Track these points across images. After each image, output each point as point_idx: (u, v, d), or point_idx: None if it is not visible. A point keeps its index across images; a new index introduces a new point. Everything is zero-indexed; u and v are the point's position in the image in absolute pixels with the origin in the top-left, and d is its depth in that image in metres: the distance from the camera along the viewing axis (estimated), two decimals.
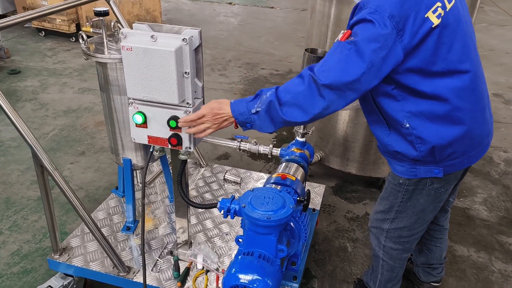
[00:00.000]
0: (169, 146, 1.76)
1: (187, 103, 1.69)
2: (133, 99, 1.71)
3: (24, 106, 4.41)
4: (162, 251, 2.25)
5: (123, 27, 2.23)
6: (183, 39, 1.57)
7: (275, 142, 2.66)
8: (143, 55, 1.57)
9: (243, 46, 6.68)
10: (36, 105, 4.45)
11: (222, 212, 1.89)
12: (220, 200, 1.90)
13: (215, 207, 1.92)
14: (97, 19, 2.10)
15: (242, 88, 5.16)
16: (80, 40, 2.03)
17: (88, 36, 2.08)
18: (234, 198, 1.93)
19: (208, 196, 2.71)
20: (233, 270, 1.77)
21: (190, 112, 1.69)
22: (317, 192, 2.81)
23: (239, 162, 3.67)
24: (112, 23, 2.21)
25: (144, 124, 1.74)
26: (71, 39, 6.39)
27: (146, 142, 1.79)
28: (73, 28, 6.30)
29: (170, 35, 1.59)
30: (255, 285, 1.71)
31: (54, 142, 3.80)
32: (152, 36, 1.59)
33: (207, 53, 6.28)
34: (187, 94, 1.67)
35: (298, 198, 2.04)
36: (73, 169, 3.43)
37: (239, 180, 2.83)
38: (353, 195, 3.31)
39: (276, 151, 2.63)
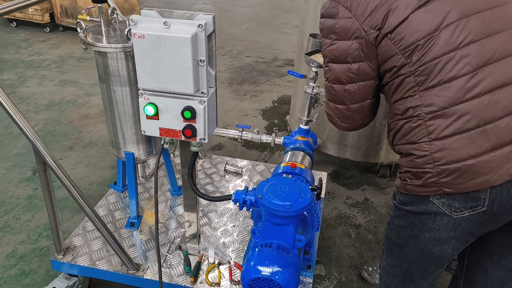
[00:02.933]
0: (183, 137, 1.69)
1: (202, 92, 1.62)
2: (144, 89, 1.63)
3: None
4: (170, 246, 2.19)
5: (120, 15, 2.12)
6: (198, 25, 1.49)
7: (277, 131, 2.61)
8: (156, 43, 1.49)
9: (225, 34, 6.57)
10: (15, 99, 4.25)
11: (237, 204, 1.85)
12: (234, 192, 1.85)
13: (230, 199, 1.87)
14: (94, 6, 1.99)
15: (229, 76, 5.08)
16: (78, 29, 1.91)
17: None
18: (248, 189, 1.88)
19: (210, 188, 2.65)
20: (252, 263, 1.73)
21: (204, 102, 1.62)
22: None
23: (233, 152, 3.62)
24: (109, 10, 2.10)
25: (155, 116, 1.66)
26: (45, 30, 6.12)
27: (157, 135, 1.71)
28: (47, 18, 6.04)
29: (184, 21, 1.51)
30: (277, 276, 1.67)
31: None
32: (165, 23, 1.50)
33: None
34: (202, 83, 1.60)
35: (310, 187, 2.01)
36: (63, 165, 3.27)
37: (240, 170, 2.78)
38: (351, 181, 3.32)
39: (279, 140, 2.60)
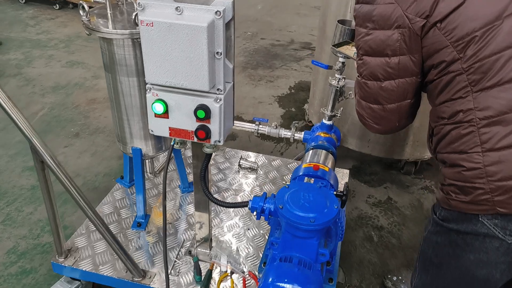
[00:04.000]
0: (195, 139, 1.49)
1: (218, 89, 1.42)
2: (152, 84, 1.43)
3: (8, 82, 4.03)
4: (179, 251, 2.03)
5: None
6: (216, 12, 1.28)
7: (296, 125, 2.40)
8: (167, 31, 1.28)
9: (240, 15, 6.28)
10: (21, 80, 4.08)
11: (254, 213, 1.66)
12: (251, 199, 1.67)
13: (246, 206, 1.69)
14: None
15: (243, 60, 4.84)
16: (81, 12, 1.71)
17: (90, 7, 1.76)
18: (266, 195, 1.70)
19: (223, 185, 2.47)
20: (270, 279, 1.54)
21: (221, 100, 1.42)
22: (340, 177, 2.59)
23: (247, 143, 3.42)
24: None
25: (165, 114, 1.47)
26: (54, 7, 5.91)
27: (167, 135, 1.52)
28: None
29: (199, 7, 1.29)
30: None
31: (44, 123, 3.48)
32: (177, 8, 1.29)
33: None
34: (218, 79, 1.40)
35: (335, 193, 1.81)
36: (68, 154, 3.14)
37: (256, 166, 2.59)
38: (373, 177, 3.11)
39: (299, 135, 2.40)
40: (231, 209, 2.27)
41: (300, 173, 1.93)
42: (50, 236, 2.45)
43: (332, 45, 2.02)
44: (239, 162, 2.60)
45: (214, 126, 1.46)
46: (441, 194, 1.31)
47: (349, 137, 3.04)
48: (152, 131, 1.53)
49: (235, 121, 2.46)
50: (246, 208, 2.28)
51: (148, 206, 2.25)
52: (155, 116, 1.48)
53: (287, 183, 1.89)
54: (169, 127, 1.50)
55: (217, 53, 1.34)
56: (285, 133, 2.39)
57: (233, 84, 1.51)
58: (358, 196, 2.92)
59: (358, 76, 1.44)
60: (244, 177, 2.54)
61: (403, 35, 1.24)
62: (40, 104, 3.70)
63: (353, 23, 2.09)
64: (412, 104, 1.43)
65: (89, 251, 1.99)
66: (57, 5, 5.89)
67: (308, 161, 2.05)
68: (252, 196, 2.31)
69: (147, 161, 2.33)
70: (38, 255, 2.34)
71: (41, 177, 1.72)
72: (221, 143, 1.51)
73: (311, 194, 1.62)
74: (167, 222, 2.16)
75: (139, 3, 1.31)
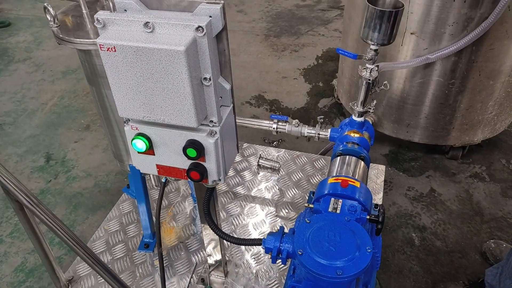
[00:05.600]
0: (189, 179, 1.20)
1: (211, 121, 1.10)
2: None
3: (17, 68, 3.83)
4: (191, 277, 1.80)
5: None
6: (197, 28, 0.94)
7: (321, 120, 2.05)
8: (135, 57, 0.96)
9: None
10: (31, 66, 3.86)
11: (269, 255, 1.38)
12: (265, 236, 1.38)
13: (259, 244, 1.41)
14: None
15: (265, 26, 4.41)
16: (48, 17, 1.40)
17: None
18: (283, 231, 1.41)
19: (241, 190, 2.19)
20: None
21: (216, 133, 1.11)
22: (375, 175, 2.25)
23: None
24: None
25: (149, 151, 1.18)
26: None
27: (155, 173, 1.24)
28: None
29: (174, 21, 0.96)
30: None
31: (55, 114, 3.27)
32: (146, 25, 0.96)
33: None
34: (210, 109, 1.08)
35: (368, 217, 1.50)
36: (78, 150, 2.93)
37: (278, 165, 2.29)
38: (412, 164, 2.74)
39: (325, 134, 2.06)
40: (250, 224, 2.01)
41: (325, 192, 1.61)
42: (59, 249, 2.29)
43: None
44: (258, 161, 2.30)
45: (210, 164, 1.16)
46: None
47: (384, 120, 2.66)
48: (138, 168, 1.25)
49: (250, 119, 2.17)
50: (267, 222, 2.04)
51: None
52: (139, 153, 1.20)
53: (310, 205, 1.59)
54: (157, 165, 1.22)
55: (205, 78, 1.01)
56: (308, 131, 2.06)
57: (233, 106, 1.19)
58: (396, 189, 2.58)
59: None
60: (265, 179, 2.25)
61: None
62: (50, 93, 3.49)
63: (387, 0, 1.68)
64: None
65: (92, 280, 1.80)
66: None
67: (335, 173, 1.73)
68: (274, 205, 2.05)
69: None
70: (47, 273, 2.18)
71: (20, 217, 1.49)
72: (222, 182, 1.22)
73: (338, 232, 1.32)
74: (178, 240, 1.93)
75: (97, 19, 0.99)
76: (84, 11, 1.48)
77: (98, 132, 3.08)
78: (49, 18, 1.40)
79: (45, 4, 1.38)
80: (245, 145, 2.46)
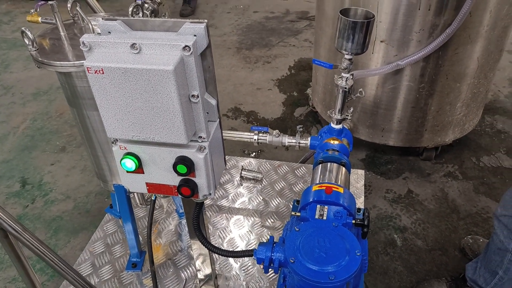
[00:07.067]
0: (179, 196, 1.22)
1: (200, 136, 1.12)
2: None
3: None
4: None
5: (82, 14, 1.57)
6: (184, 47, 0.96)
7: (301, 129, 2.10)
8: (123, 79, 0.97)
9: None
10: None
11: (261, 265, 1.40)
12: (256, 247, 1.40)
13: (250, 255, 1.43)
14: (44, 3, 1.45)
15: (236, 39, 4.46)
16: (26, 41, 1.39)
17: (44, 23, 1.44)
18: (273, 240, 1.43)
19: (225, 203, 2.21)
20: None
21: (205, 148, 1.13)
22: (355, 180, 2.31)
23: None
24: (69, 5, 1.55)
25: (139, 170, 1.18)
26: None
27: (145, 191, 1.24)
28: None
29: (161, 41, 0.98)
30: None
31: (28, 137, 3.20)
32: (133, 46, 0.98)
33: None
34: (198, 125, 1.10)
35: (354, 222, 1.55)
36: (55, 172, 2.88)
37: (260, 176, 2.31)
38: (389, 167, 2.83)
39: (305, 142, 2.10)
40: (237, 235, 2.02)
41: (311, 199, 1.65)
42: (41, 276, 2.23)
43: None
44: (241, 173, 2.32)
45: (201, 179, 1.17)
46: None
47: (359, 126, 2.74)
48: (126, 188, 1.25)
49: (231, 131, 2.20)
50: (254, 233, 2.06)
51: (143, 238, 2.00)
52: (128, 172, 1.20)
53: (297, 213, 1.63)
54: (146, 183, 1.22)
55: (193, 96, 1.04)
56: (289, 140, 2.10)
57: (220, 120, 1.21)
58: (375, 192, 2.65)
59: None
60: (248, 190, 2.27)
61: None
62: (21, 116, 3.41)
63: (359, 11, 1.75)
64: None
65: None
66: None
67: (318, 180, 1.77)
68: (259, 215, 2.07)
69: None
70: None
71: (5, 245, 1.45)
72: (212, 196, 1.24)
73: (327, 238, 1.36)
74: (165, 257, 1.92)
75: (83, 42, 1.00)
76: (62, 33, 1.49)
77: (74, 153, 3.03)
78: (27, 42, 1.39)
79: (23, 28, 1.38)
80: (226, 157, 2.48)
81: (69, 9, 1.54)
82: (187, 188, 1.17)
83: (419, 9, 2.13)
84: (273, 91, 3.64)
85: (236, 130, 3.13)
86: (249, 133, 2.14)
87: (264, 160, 2.46)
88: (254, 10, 5.09)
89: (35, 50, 1.39)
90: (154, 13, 1.62)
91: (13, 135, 3.22)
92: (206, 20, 1.03)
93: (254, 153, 2.96)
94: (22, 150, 3.06)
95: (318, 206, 1.60)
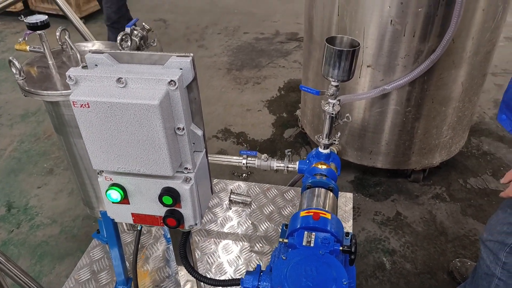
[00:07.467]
0: (165, 226, 1.21)
1: (186, 168, 1.13)
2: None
3: None
4: None
5: (71, 44, 1.58)
6: (169, 82, 0.97)
7: (289, 153, 2.10)
8: (109, 113, 0.98)
9: (219, 6, 5.90)
10: None
11: None
12: (243, 276, 1.39)
13: (237, 285, 1.42)
14: (32, 32, 1.46)
15: (227, 60, 4.50)
16: (13, 70, 1.39)
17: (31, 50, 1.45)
18: (261, 268, 1.43)
19: (214, 227, 2.19)
20: None
21: (191, 179, 1.13)
22: (344, 203, 2.32)
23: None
24: (58, 33, 1.56)
25: (124, 200, 1.18)
26: (19, 18, 5.47)
27: (130, 221, 1.24)
28: (20, 5, 5.41)
29: (147, 75, 0.99)
30: None
31: (14, 160, 3.17)
32: (119, 80, 0.99)
33: (179, 20, 5.51)
34: (184, 157, 1.10)
35: (341, 249, 1.55)
36: (42, 195, 2.85)
37: (249, 199, 2.31)
38: (378, 189, 2.84)
39: (293, 166, 2.11)
40: (225, 261, 2.01)
41: (298, 226, 1.65)
42: None
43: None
44: (230, 197, 2.32)
45: (187, 210, 1.17)
46: None
47: (348, 148, 2.76)
48: (112, 218, 1.25)
49: (220, 156, 2.20)
50: (242, 258, 2.04)
51: (130, 265, 1.98)
52: (113, 203, 1.20)
53: (284, 240, 1.62)
54: (132, 213, 1.22)
55: (178, 128, 1.04)
56: (277, 164, 2.10)
57: (206, 150, 1.22)
58: (364, 214, 2.65)
59: None
60: (237, 214, 2.26)
61: None
62: (8, 138, 3.39)
63: (345, 39, 1.78)
64: None
65: None
66: (22, 16, 5.45)
67: (306, 206, 1.77)
68: (248, 240, 2.06)
69: None
70: None
71: None
72: (198, 226, 1.23)
73: (314, 266, 1.36)
74: (152, 284, 1.90)
75: (69, 76, 1.01)
76: (50, 62, 1.49)
77: (62, 175, 3.01)
78: (14, 71, 1.40)
79: (10, 58, 1.38)
80: (215, 181, 2.48)
81: (57, 37, 1.54)
82: (173, 219, 1.16)
83: (404, 36, 2.17)
84: (263, 112, 3.66)
85: (225, 151, 3.16)
86: (237, 157, 2.14)
87: (253, 183, 2.46)
88: (244, 31, 5.16)
89: (22, 79, 1.39)
90: (143, 39, 1.63)
91: (0, 158, 3.19)
92: (192, 54, 1.04)
93: (244, 175, 2.96)
94: (9, 173, 3.03)
95: (306, 232, 1.60)
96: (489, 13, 2.16)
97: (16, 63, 1.37)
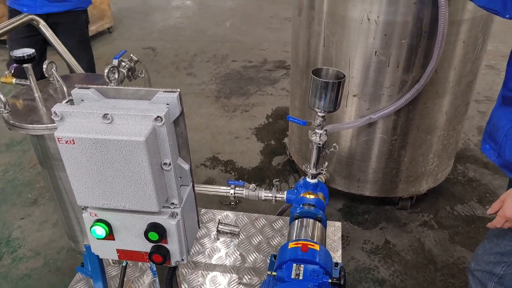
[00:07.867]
0: (151, 262, 1.19)
1: (172, 203, 1.12)
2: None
3: None
4: None
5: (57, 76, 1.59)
6: (156, 118, 0.98)
7: (277, 183, 2.10)
8: (94, 149, 0.97)
9: (207, 35, 5.99)
10: None
11: None
12: None
13: None
14: (18, 66, 1.46)
15: (215, 88, 4.54)
16: None
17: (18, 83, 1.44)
18: None
19: (201, 259, 2.16)
20: None
21: (177, 215, 1.12)
22: (332, 232, 2.31)
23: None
24: (45, 65, 1.56)
25: (109, 236, 1.16)
26: (6, 46, 5.49)
27: (115, 258, 1.21)
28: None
29: (133, 111, 0.99)
30: None
31: None
32: (105, 116, 0.98)
33: (168, 47, 5.57)
34: (171, 192, 1.10)
35: (330, 281, 1.53)
36: (25, 227, 2.78)
37: (237, 230, 2.29)
38: (366, 217, 2.84)
39: (282, 196, 2.11)
40: (216, 278, 1.97)
41: (287, 258, 1.63)
42: None
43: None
44: (218, 227, 2.29)
45: (173, 246, 1.15)
46: None
47: (336, 176, 2.77)
48: (96, 254, 1.22)
49: (207, 186, 2.19)
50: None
51: None
52: (98, 239, 1.17)
53: (273, 273, 1.60)
54: (117, 249, 1.20)
55: (165, 164, 1.04)
56: (265, 194, 2.10)
57: (193, 184, 1.21)
58: (352, 243, 2.64)
59: None
60: (225, 245, 2.23)
61: None
62: None
63: (330, 70, 1.81)
64: None
65: None
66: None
67: (294, 237, 1.76)
68: (236, 272, 2.03)
69: None
70: None
71: None
72: (185, 261, 1.21)
73: None
74: None
75: (55, 112, 1.00)
76: (36, 95, 1.48)
77: (47, 205, 2.95)
78: None
79: None
80: (202, 210, 2.46)
81: (44, 70, 1.54)
82: (159, 255, 1.14)
83: (388, 66, 2.22)
84: (251, 139, 3.67)
85: (214, 180, 3.14)
86: (225, 187, 2.13)
87: (242, 212, 2.44)
88: (232, 59, 5.22)
89: (7, 113, 1.38)
90: (131, 71, 1.64)
91: None
92: (178, 90, 1.05)
93: (232, 203, 2.94)
94: None
95: (294, 265, 1.59)
96: (469, 45, 2.22)
97: (1, 96, 1.36)
